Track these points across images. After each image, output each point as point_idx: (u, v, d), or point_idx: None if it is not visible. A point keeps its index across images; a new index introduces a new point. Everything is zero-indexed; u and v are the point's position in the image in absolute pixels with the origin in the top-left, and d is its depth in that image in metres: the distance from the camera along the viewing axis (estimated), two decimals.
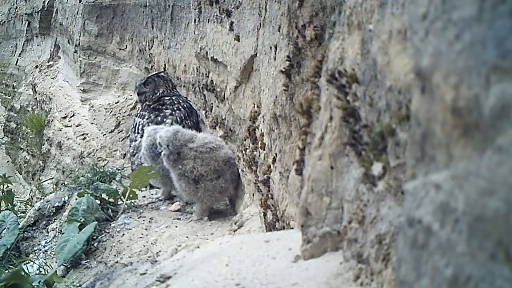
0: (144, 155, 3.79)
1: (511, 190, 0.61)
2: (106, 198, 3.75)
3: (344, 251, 1.28)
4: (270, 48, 2.39)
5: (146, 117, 4.38)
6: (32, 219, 4.06)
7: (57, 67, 7.04)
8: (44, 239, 3.85)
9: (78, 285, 2.96)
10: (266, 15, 2.54)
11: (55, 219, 4.00)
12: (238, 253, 1.61)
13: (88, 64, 6.02)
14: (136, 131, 4.33)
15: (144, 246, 3.29)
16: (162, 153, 3.44)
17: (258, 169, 2.78)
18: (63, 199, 4.10)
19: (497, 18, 0.64)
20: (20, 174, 7.06)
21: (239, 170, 3.35)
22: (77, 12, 6.14)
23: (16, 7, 8.05)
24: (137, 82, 4.65)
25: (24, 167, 6.94)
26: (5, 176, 5.06)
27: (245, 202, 3.31)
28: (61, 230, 3.61)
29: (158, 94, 4.47)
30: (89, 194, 3.66)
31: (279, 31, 2.23)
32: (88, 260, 3.32)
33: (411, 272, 0.81)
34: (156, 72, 4.76)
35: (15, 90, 7.92)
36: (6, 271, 3.35)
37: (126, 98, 5.67)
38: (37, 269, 3.44)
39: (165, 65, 4.87)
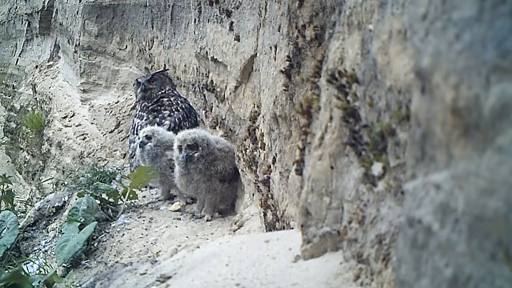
0: (142, 155, 3.78)
1: (511, 190, 0.61)
2: (106, 198, 3.75)
3: (344, 251, 1.28)
4: (270, 48, 2.39)
5: (145, 118, 4.39)
6: (32, 219, 4.06)
7: (57, 67, 7.03)
8: (44, 239, 3.85)
9: (78, 285, 2.96)
10: (266, 15, 2.54)
11: (55, 219, 4.00)
12: (238, 253, 1.61)
13: (88, 64, 6.02)
14: (136, 132, 4.33)
15: (144, 246, 3.29)
16: (197, 154, 3.39)
17: (258, 169, 2.78)
18: (63, 199, 4.10)
19: (497, 18, 0.64)
20: (20, 174, 7.05)
21: (239, 170, 3.35)
22: (77, 12, 6.14)
23: (16, 7, 8.05)
24: (140, 79, 4.64)
25: (24, 167, 6.94)
26: (5, 176, 5.06)
27: (245, 202, 3.31)
28: (61, 230, 3.61)
29: (164, 91, 4.50)
30: (89, 194, 3.66)
31: (279, 31, 2.23)
32: (88, 260, 3.32)
33: (411, 272, 0.81)
34: (160, 69, 4.78)
35: (15, 90, 7.92)
36: (6, 271, 3.34)
37: (126, 98, 5.67)
38: (37, 269, 3.44)
39: (165, 65, 4.87)
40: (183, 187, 3.52)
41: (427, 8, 0.78)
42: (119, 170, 4.67)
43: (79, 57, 6.09)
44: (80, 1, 6.11)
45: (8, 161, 7.57)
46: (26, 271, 3.31)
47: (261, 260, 1.51)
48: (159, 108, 4.40)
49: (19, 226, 3.91)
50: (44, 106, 6.64)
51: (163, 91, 4.50)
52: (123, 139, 5.41)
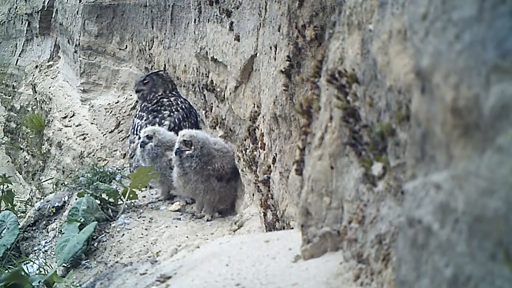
0: (143, 155, 3.78)
1: (511, 190, 0.61)
2: (106, 198, 3.75)
3: (344, 251, 1.28)
4: (270, 48, 2.39)
5: (145, 118, 4.39)
6: (32, 219, 4.06)
7: (57, 67, 7.03)
8: (44, 239, 3.85)
9: (78, 285, 2.96)
10: (266, 15, 2.54)
11: (55, 219, 4.00)
12: (238, 253, 1.61)
13: (88, 64, 6.02)
14: (136, 132, 4.33)
15: (144, 246, 3.29)
16: (187, 153, 3.39)
17: (258, 169, 2.78)
18: (63, 199, 4.10)
19: (497, 18, 0.64)
20: (20, 174, 7.05)
21: (239, 170, 3.35)
22: (77, 12, 6.14)
23: (16, 7, 8.05)
24: (137, 79, 4.68)
25: (24, 167, 6.94)
26: (5, 176, 5.06)
27: (245, 202, 3.31)
28: (61, 230, 3.61)
29: (157, 94, 4.48)
30: (89, 194, 3.66)
31: (279, 31, 2.23)
32: (88, 260, 3.32)
33: (411, 272, 0.81)
34: (155, 70, 4.77)
35: (15, 90, 7.92)
36: (6, 271, 3.34)
37: (126, 98, 5.67)
38: (37, 269, 3.44)
39: (165, 65, 4.87)
40: (181, 188, 3.52)
41: (427, 8, 0.78)
42: (119, 170, 4.67)
43: (79, 57, 6.09)
44: (80, 1, 6.11)
45: (8, 161, 7.56)
46: (26, 271, 3.31)
47: (261, 260, 1.51)
48: (159, 108, 4.41)
49: (19, 226, 3.91)
50: (44, 106, 6.64)
51: (155, 94, 4.48)
52: (123, 139, 5.40)
